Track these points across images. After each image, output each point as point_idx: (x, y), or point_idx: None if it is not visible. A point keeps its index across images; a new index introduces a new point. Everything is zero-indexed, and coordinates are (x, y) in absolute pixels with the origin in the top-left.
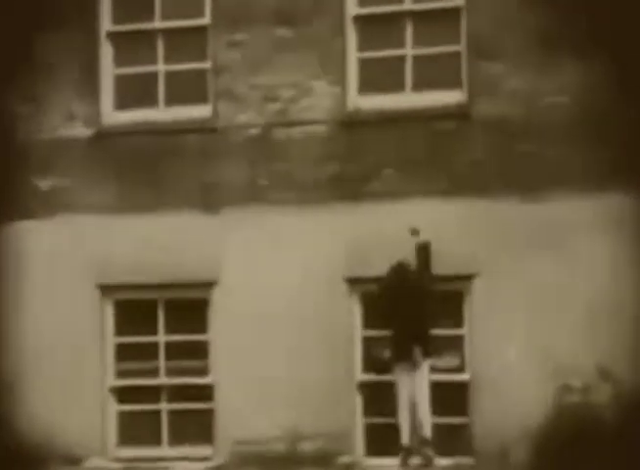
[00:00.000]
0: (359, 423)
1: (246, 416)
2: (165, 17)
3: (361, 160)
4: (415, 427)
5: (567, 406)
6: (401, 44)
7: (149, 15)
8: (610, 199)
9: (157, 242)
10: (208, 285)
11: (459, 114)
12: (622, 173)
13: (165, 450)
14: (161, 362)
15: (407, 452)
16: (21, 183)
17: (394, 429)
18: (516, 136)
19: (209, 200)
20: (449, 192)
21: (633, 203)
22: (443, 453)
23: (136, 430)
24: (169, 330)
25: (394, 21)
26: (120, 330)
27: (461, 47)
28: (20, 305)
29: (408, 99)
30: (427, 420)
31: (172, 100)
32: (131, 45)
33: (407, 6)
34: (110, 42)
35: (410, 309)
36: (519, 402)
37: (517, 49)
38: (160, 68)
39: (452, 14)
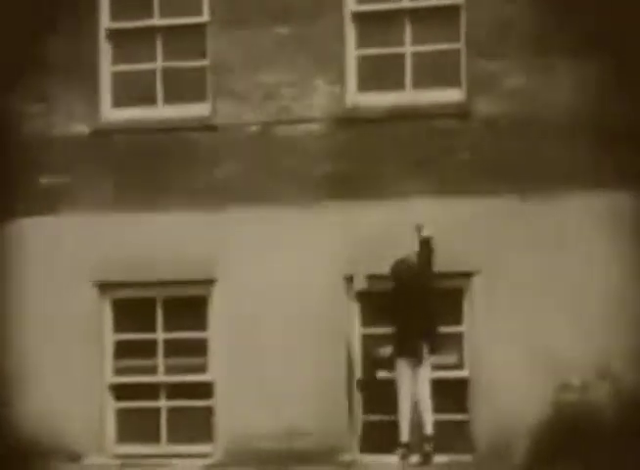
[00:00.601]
0: (358, 420)
1: (244, 414)
2: (164, 14)
3: (361, 157)
4: (415, 424)
5: (565, 404)
6: (400, 42)
7: (148, 12)
8: (610, 197)
9: (156, 239)
10: (208, 283)
11: (458, 112)
12: (623, 172)
13: (164, 448)
14: (160, 360)
15: (406, 449)
16: (20, 181)
17: (393, 426)
18: (515, 134)
19: (209, 198)
20: (448, 190)
21: (633, 201)
22: (442, 450)
23: (135, 427)
24: (168, 328)
25: (394, 18)
26: (119, 328)
27: (460, 45)
28: (19, 302)
29: (407, 97)
30: (429, 417)
31: (171, 98)
32: (130, 43)
33: (406, 4)
34: (108, 40)
35: (416, 305)
36: (517, 400)
37: (516, 47)
38: (159, 65)
39: (451, 12)
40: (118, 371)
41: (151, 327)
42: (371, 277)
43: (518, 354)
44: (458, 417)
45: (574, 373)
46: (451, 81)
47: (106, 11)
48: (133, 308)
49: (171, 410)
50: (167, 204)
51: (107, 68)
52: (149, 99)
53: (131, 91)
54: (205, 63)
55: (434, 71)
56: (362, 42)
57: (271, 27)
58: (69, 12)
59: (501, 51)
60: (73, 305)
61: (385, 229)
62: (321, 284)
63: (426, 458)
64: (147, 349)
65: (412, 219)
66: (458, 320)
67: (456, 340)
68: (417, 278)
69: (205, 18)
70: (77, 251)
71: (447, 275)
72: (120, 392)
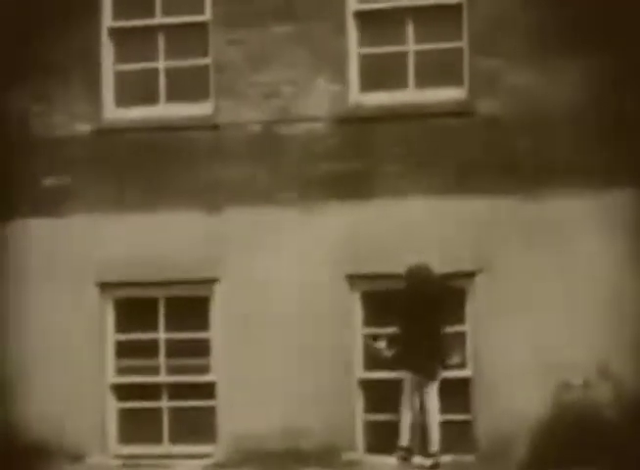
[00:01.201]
0: (360, 420)
1: (247, 414)
2: (166, 13)
3: (363, 157)
4: (418, 427)
5: (567, 404)
6: (402, 41)
7: (150, 11)
8: (612, 196)
9: (158, 239)
10: (209, 283)
11: (460, 110)
12: (624, 171)
13: (166, 448)
14: (162, 360)
15: (406, 452)
16: (22, 181)
17: (396, 426)
18: (518, 133)
19: (211, 197)
20: (451, 189)
21: (635, 200)
22: (445, 450)
23: (137, 427)
24: (170, 328)
25: (395, 17)
26: (121, 328)
27: (462, 43)
28: (20, 302)
29: (409, 96)
30: (435, 434)
31: (173, 97)
32: (132, 42)
33: (408, 2)
34: (110, 39)
35: (428, 319)
36: (519, 400)
37: (518, 46)
38: (162, 64)
39: (453, 10)
40: (120, 371)
41: (153, 327)
42: (373, 277)
43: (520, 354)
44: (460, 417)
45: (576, 373)
46: (453, 80)
47: (108, 10)
48: (135, 308)
49: (173, 410)
50: (169, 203)
51: (109, 67)
52: (151, 98)
53: (133, 90)
54: (207, 61)
55: (436, 70)
56: (364, 41)
57: (273, 26)
58: (71, 11)
59: (503, 49)
60: (75, 304)
61: (386, 228)
62: (323, 284)
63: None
64: (149, 349)
65: (414, 218)
66: (461, 320)
67: (459, 340)
68: (432, 288)
69: (207, 16)
70: (79, 251)
71: (449, 275)
72: (122, 392)
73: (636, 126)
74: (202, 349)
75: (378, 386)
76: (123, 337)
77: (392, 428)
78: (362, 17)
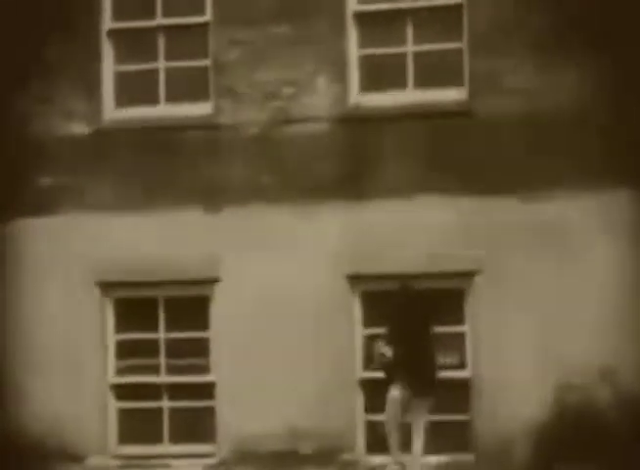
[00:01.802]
0: (360, 421)
1: (247, 414)
2: (166, 14)
3: (362, 157)
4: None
5: (567, 404)
6: (402, 41)
7: (150, 12)
8: (611, 197)
9: (157, 239)
10: (209, 283)
11: (460, 111)
12: (624, 172)
13: (166, 448)
14: (162, 360)
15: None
16: (21, 181)
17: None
18: (517, 133)
19: (210, 197)
20: (451, 189)
21: (634, 202)
22: (444, 450)
23: (137, 427)
24: (170, 328)
25: (395, 17)
26: (121, 328)
27: (462, 44)
28: (20, 302)
29: (409, 96)
30: (418, 460)
31: (173, 97)
32: (132, 42)
33: (408, 3)
34: (110, 39)
35: (420, 350)
36: (519, 400)
37: (518, 46)
38: (161, 65)
39: (453, 11)
40: (120, 371)
41: (153, 327)
42: (373, 277)
43: (519, 354)
44: (460, 417)
45: (576, 373)
46: (453, 81)
47: (108, 10)
48: (135, 308)
49: (173, 411)
50: (170, 203)
51: (109, 67)
52: (151, 98)
53: (133, 91)
54: (207, 62)
55: (435, 71)
56: (364, 42)
57: (273, 27)
58: (71, 12)
59: (503, 50)
60: (75, 304)
61: (386, 229)
62: (323, 284)
63: None
64: (149, 349)
65: (414, 219)
66: (460, 320)
67: (458, 340)
68: (420, 308)
69: (207, 17)
70: (79, 251)
71: (449, 275)
72: (122, 392)
73: (636, 127)
74: (201, 349)
75: (378, 386)
76: (123, 337)
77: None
78: (362, 17)
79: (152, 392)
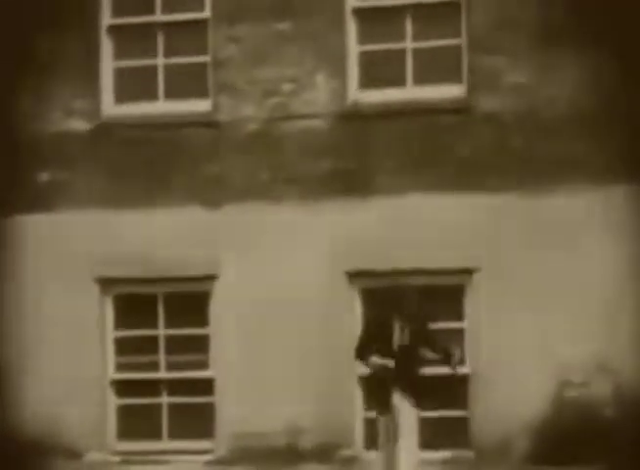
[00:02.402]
0: (359, 417)
1: (246, 410)
2: (166, 10)
3: (361, 154)
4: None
5: (567, 401)
6: (401, 38)
7: (149, 8)
8: (612, 194)
9: (157, 236)
10: (209, 279)
11: (459, 108)
12: (624, 168)
13: (165, 444)
14: (162, 356)
15: None
16: (20, 177)
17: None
18: (516, 130)
19: (210, 194)
20: (450, 186)
21: (635, 199)
22: (443, 447)
23: (136, 423)
24: (169, 324)
25: (394, 14)
26: (120, 324)
27: (461, 41)
28: (19, 298)
29: (408, 93)
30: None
31: (172, 94)
32: (131, 39)
33: None
34: (110, 36)
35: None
36: (518, 397)
37: (517, 43)
38: (161, 61)
39: (452, 7)
40: (120, 367)
41: (152, 323)
42: (373, 274)
43: (519, 351)
44: (459, 413)
45: (575, 370)
46: (452, 77)
47: (107, 7)
48: (134, 305)
49: (173, 407)
50: (168, 200)
51: (108, 64)
52: (150, 95)
53: (132, 87)
54: (206, 59)
55: (435, 67)
56: (363, 38)
57: (272, 23)
58: (71, 8)
59: (502, 47)
60: (75, 301)
61: (386, 225)
62: (322, 281)
63: None
64: (148, 345)
65: (413, 215)
66: (459, 317)
67: (457, 336)
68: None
69: (206, 14)
70: (79, 247)
71: (448, 272)
72: (122, 388)
73: (636, 124)
74: (201, 345)
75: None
76: (123, 333)
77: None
78: (361, 14)
79: (151, 388)
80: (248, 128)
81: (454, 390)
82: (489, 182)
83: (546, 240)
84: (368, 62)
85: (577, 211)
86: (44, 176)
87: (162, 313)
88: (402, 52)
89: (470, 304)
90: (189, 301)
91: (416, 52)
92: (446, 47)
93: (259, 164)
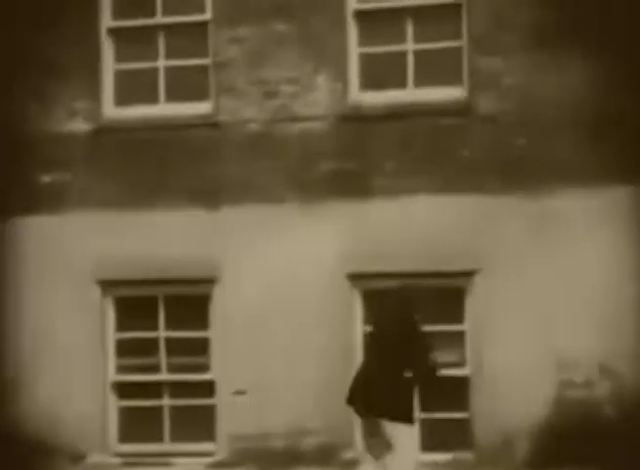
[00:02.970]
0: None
1: (246, 412)
2: (166, 12)
3: (362, 155)
4: None
5: (568, 402)
6: (402, 40)
7: (150, 10)
8: (612, 195)
9: (157, 238)
10: (210, 281)
11: (460, 109)
12: (624, 169)
13: (167, 446)
14: (163, 358)
15: None
16: (21, 179)
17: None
18: (517, 132)
19: (211, 196)
20: (451, 188)
21: (635, 199)
22: (443, 449)
23: (137, 426)
24: (170, 326)
25: (395, 16)
26: (121, 326)
27: (462, 43)
28: (20, 300)
29: (409, 95)
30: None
31: (173, 96)
32: (132, 41)
33: (408, 1)
34: (110, 38)
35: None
36: (519, 398)
37: (518, 45)
38: (161, 63)
39: (453, 9)
40: (121, 369)
41: (153, 326)
42: (374, 275)
43: (520, 352)
44: (459, 415)
45: (577, 371)
46: (453, 79)
47: (108, 9)
48: (135, 307)
49: (174, 409)
50: (169, 201)
51: (109, 66)
52: (151, 97)
53: (133, 89)
54: (207, 61)
55: (435, 69)
56: (364, 40)
57: (273, 25)
58: (71, 10)
59: (503, 48)
60: (76, 303)
61: (386, 227)
62: (323, 283)
63: None
64: (149, 347)
65: (414, 217)
66: (460, 319)
67: (458, 338)
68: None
69: (207, 16)
70: (80, 249)
71: (449, 274)
72: (123, 390)
73: (635, 125)
74: (201, 347)
75: None
76: (124, 335)
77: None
78: (362, 16)
79: (152, 390)
80: (248, 130)
81: (454, 391)
82: (490, 184)
83: (547, 241)
84: (369, 63)
85: (578, 213)
86: (45, 178)
87: (163, 315)
88: (403, 54)
89: (471, 305)
90: (190, 303)
91: (417, 54)
92: (447, 49)
93: (260, 166)
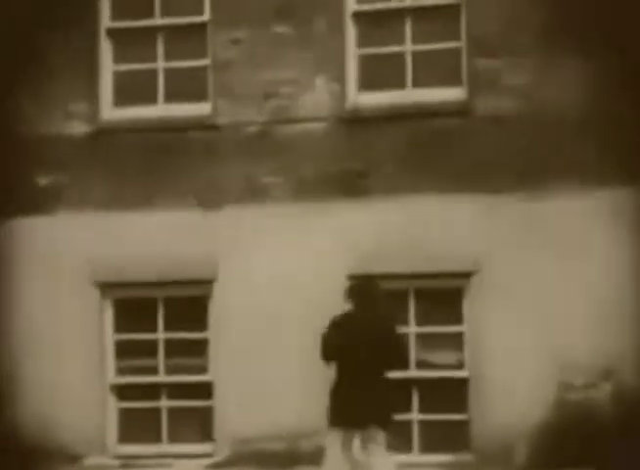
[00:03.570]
0: None
1: (245, 414)
2: (165, 14)
3: (361, 157)
4: None
5: (568, 404)
6: (401, 41)
7: (148, 12)
8: (612, 195)
9: (156, 239)
10: (208, 283)
11: (459, 110)
12: (624, 171)
13: (165, 448)
14: (161, 360)
15: None
16: (19, 180)
17: (397, 424)
18: (517, 132)
19: (209, 197)
20: (450, 189)
21: (634, 201)
22: (442, 450)
23: (136, 427)
24: (169, 328)
25: (394, 17)
26: (120, 328)
27: (461, 43)
28: (18, 302)
29: (408, 96)
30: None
31: (172, 97)
32: (131, 42)
33: (407, 2)
34: (109, 39)
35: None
36: (518, 400)
37: (517, 45)
38: (160, 65)
39: (452, 10)
40: (120, 371)
41: (152, 327)
42: (371, 277)
43: (519, 354)
44: (458, 417)
45: (577, 373)
46: (452, 80)
47: (106, 10)
48: (134, 308)
49: (172, 410)
50: (168, 203)
51: (107, 67)
52: (150, 98)
53: (132, 90)
54: (205, 62)
55: (434, 70)
56: (363, 41)
57: (272, 26)
58: (70, 11)
59: (502, 49)
60: (74, 305)
61: (385, 228)
62: (322, 284)
63: None
64: (148, 349)
65: (413, 218)
66: (458, 320)
67: (456, 340)
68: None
69: (206, 17)
70: (78, 251)
71: (447, 275)
72: (121, 392)
73: (635, 126)
74: (200, 348)
75: None
76: (122, 337)
77: (394, 426)
78: (361, 17)
79: (151, 391)
80: (247, 131)
81: (453, 393)
82: (490, 185)
83: (546, 242)
84: (368, 65)
85: (578, 214)
86: (43, 179)
87: (162, 317)
88: (402, 55)
89: (469, 306)
90: (188, 304)
91: (416, 55)
92: (446, 50)
93: (259, 167)
